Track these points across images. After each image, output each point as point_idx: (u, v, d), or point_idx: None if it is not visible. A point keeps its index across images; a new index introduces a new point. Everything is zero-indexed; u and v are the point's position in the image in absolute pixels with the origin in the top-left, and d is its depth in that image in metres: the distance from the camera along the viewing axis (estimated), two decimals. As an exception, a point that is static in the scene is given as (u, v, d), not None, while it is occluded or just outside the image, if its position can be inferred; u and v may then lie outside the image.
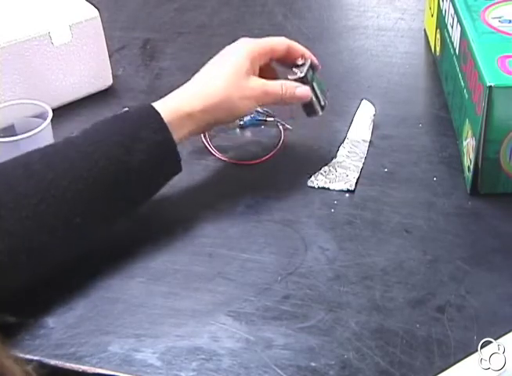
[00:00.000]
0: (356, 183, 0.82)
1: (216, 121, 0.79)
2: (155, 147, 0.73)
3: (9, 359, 0.46)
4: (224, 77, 0.77)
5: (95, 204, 0.71)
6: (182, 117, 0.76)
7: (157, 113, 0.74)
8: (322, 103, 0.84)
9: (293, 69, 0.82)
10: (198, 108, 0.76)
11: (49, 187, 0.68)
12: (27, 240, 0.67)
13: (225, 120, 0.80)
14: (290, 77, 0.82)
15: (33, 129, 0.79)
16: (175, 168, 0.77)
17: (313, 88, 0.83)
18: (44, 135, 0.80)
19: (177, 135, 0.75)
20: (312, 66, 0.84)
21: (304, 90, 0.81)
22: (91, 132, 0.73)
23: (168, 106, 0.76)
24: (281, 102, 0.80)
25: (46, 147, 0.72)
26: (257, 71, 0.80)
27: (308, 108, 0.84)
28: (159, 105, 0.76)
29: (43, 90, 0.94)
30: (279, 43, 0.83)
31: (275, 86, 0.80)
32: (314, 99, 0.83)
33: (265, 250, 0.75)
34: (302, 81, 0.81)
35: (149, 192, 0.76)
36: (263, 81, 0.79)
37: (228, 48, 0.81)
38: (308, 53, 0.84)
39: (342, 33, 1.12)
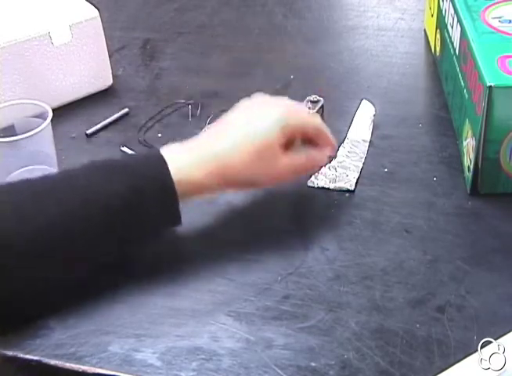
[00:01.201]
0: (356, 183, 0.82)
1: (232, 190, 0.75)
2: (158, 216, 0.70)
3: None
4: (252, 155, 0.71)
5: (86, 251, 0.69)
6: (195, 189, 0.71)
7: (170, 182, 0.69)
8: None
9: (308, 103, 0.84)
10: (215, 182, 0.71)
11: (41, 232, 0.65)
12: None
13: (241, 189, 0.77)
14: None
15: (33, 129, 0.79)
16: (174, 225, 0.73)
17: None
18: (44, 135, 0.80)
19: (184, 200, 0.70)
20: (322, 106, 0.85)
21: (324, 158, 0.78)
22: (95, 177, 0.69)
23: (181, 175, 0.69)
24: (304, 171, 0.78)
25: (40, 183, 0.68)
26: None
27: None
28: (172, 169, 0.69)
29: (43, 90, 0.94)
30: (313, 127, 0.76)
31: (301, 162, 0.75)
32: None
33: (265, 250, 0.75)
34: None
35: (143, 243, 0.73)
36: (290, 159, 0.73)
37: (259, 108, 0.75)
38: (333, 146, 0.78)
39: (342, 33, 1.12)
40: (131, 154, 0.74)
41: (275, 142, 0.71)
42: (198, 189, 0.71)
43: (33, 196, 0.67)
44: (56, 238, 0.66)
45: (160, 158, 0.70)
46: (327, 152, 0.77)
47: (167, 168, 0.69)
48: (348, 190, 0.81)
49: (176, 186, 0.69)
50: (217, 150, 0.71)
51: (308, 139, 0.76)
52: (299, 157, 0.75)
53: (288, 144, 0.74)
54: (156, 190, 0.69)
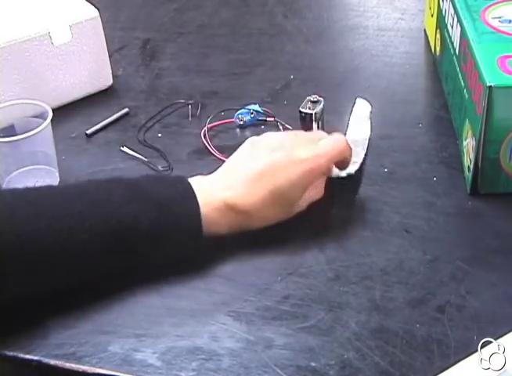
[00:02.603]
0: (360, 171, 0.81)
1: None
2: (179, 249, 0.71)
3: None
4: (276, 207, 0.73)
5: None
6: (218, 228, 0.72)
7: (197, 222, 0.69)
8: None
9: (308, 103, 0.84)
10: (236, 228, 0.73)
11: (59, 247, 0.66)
12: None
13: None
14: (301, 109, 0.84)
15: (33, 129, 0.79)
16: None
17: (318, 127, 0.85)
18: (44, 135, 0.80)
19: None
20: (323, 106, 0.85)
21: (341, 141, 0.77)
22: (123, 202, 0.68)
23: (211, 220, 0.71)
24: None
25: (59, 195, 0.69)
26: None
27: None
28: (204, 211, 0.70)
29: (43, 90, 0.94)
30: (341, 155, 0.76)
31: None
32: None
33: (265, 250, 0.75)
34: (311, 117, 0.84)
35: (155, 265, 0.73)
36: (308, 194, 0.75)
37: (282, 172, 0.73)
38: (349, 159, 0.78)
39: (342, 33, 1.12)
40: (162, 183, 0.72)
41: (300, 193, 0.74)
42: (218, 233, 0.72)
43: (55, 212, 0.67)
44: (74, 262, 0.67)
45: (191, 194, 0.70)
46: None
47: (198, 209, 0.70)
48: (348, 175, 0.80)
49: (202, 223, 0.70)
50: (242, 206, 0.72)
51: None
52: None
53: None
54: (183, 228, 0.69)
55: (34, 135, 0.78)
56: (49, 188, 0.72)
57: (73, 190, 0.70)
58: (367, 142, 0.87)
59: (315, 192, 0.77)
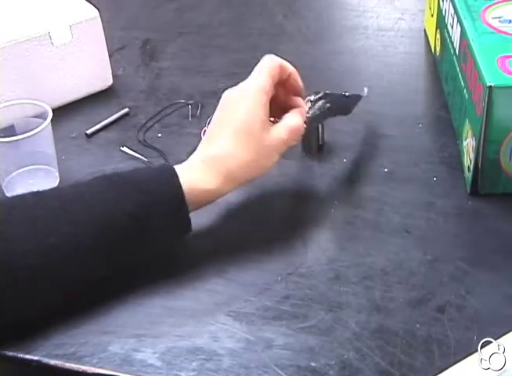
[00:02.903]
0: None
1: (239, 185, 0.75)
2: (168, 229, 0.71)
3: None
4: (243, 142, 0.72)
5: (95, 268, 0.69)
6: (206, 196, 0.72)
7: (179, 194, 0.69)
8: (320, 143, 0.87)
9: (308, 103, 0.83)
10: (222, 183, 0.72)
11: (52, 249, 0.66)
12: None
13: (247, 182, 0.76)
14: None
15: (33, 129, 0.79)
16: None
17: (317, 129, 0.85)
18: (44, 135, 0.80)
19: (197, 207, 0.72)
20: (325, 104, 0.83)
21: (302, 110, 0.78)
22: (103, 191, 0.69)
23: (191, 185, 0.71)
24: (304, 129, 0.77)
25: (51, 200, 0.68)
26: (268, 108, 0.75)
27: (306, 144, 0.86)
28: (183, 181, 0.70)
29: (43, 90, 0.94)
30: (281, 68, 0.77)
31: (293, 121, 0.76)
32: (315, 137, 0.86)
33: (265, 250, 0.75)
34: (309, 119, 0.83)
35: (154, 254, 0.73)
36: (277, 131, 0.75)
37: (234, 99, 0.75)
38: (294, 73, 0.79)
39: (342, 33, 1.12)
40: (143, 169, 0.75)
41: (258, 119, 0.73)
42: (209, 195, 0.72)
43: (45, 212, 0.67)
44: (67, 255, 0.66)
45: (170, 171, 0.71)
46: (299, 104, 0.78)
47: (178, 180, 0.70)
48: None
49: (187, 196, 0.70)
50: (214, 152, 0.72)
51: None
52: (284, 122, 0.76)
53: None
54: (166, 205, 0.69)
55: (34, 135, 0.78)
56: (35, 193, 0.71)
57: (55, 192, 0.71)
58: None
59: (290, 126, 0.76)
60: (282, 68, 0.77)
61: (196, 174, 0.71)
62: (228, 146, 0.72)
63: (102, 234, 0.67)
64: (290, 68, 0.79)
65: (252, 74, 0.76)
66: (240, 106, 0.73)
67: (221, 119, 0.75)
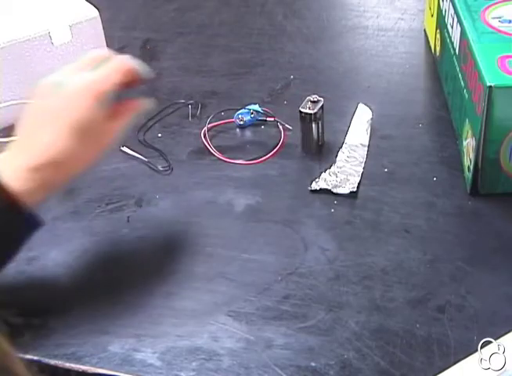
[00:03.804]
0: (358, 186, 0.81)
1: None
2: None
3: (19, 365, 0.45)
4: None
5: None
6: (36, 187, 0.66)
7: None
8: (320, 143, 0.87)
9: (308, 103, 0.84)
10: (48, 174, 0.66)
11: None
12: None
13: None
14: (301, 109, 0.84)
15: None
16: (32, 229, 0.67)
17: (317, 127, 0.85)
18: None
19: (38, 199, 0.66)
20: (322, 106, 0.85)
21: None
22: None
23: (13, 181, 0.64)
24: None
25: None
26: None
27: (306, 143, 0.87)
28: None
29: (43, 90, 0.94)
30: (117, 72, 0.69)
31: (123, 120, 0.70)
32: (315, 137, 0.86)
33: (265, 250, 0.75)
34: (311, 117, 0.84)
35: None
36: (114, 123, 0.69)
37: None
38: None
39: (342, 33, 1.12)
40: None
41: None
42: (38, 186, 0.66)
43: None
44: None
45: None
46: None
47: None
48: (351, 192, 0.81)
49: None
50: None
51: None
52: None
53: None
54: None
55: None
56: None
57: None
58: (366, 148, 0.87)
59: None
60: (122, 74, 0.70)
61: (23, 188, 0.65)
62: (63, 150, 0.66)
63: None
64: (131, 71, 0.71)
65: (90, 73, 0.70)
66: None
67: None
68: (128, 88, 0.71)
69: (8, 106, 0.83)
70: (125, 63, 0.71)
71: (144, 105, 0.73)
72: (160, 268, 0.74)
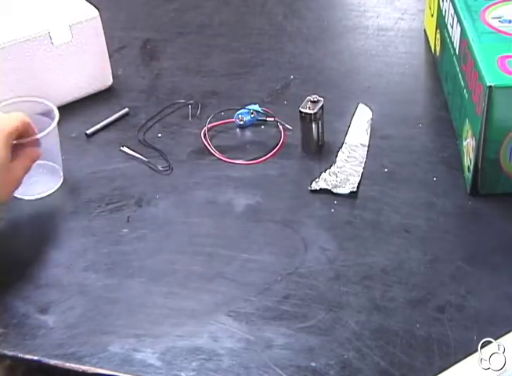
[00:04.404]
0: (358, 186, 0.82)
1: None
2: None
3: None
4: None
5: None
6: None
7: None
8: (320, 143, 0.87)
9: (308, 103, 0.84)
10: None
11: None
12: None
13: None
14: (301, 109, 0.84)
15: (39, 128, 0.78)
16: None
17: (317, 127, 0.85)
18: (51, 135, 0.80)
19: None
20: (322, 106, 0.85)
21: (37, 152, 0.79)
22: None
23: None
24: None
25: None
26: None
27: (306, 143, 0.87)
28: None
29: (43, 90, 0.94)
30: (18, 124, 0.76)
31: (26, 162, 0.77)
32: (315, 137, 0.86)
33: (265, 250, 0.75)
34: (311, 117, 0.84)
35: None
36: (16, 164, 0.76)
37: None
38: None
39: (342, 33, 1.12)
40: None
41: None
42: None
43: None
44: None
45: None
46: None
47: None
48: (351, 192, 0.81)
49: None
50: None
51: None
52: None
53: None
54: None
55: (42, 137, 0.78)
56: None
57: None
58: (366, 148, 0.87)
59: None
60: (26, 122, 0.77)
61: None
62: None
63: None
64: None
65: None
66: None
67: None
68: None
69: (11, 103, 0.83)
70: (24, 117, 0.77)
71: (37, 153, 0.79)
72: (160, 268, 0.74)
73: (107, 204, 0.82)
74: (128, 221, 0.79)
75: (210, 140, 0.89)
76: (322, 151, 0.87)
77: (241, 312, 0.69)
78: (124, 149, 0.89)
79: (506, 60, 0.75)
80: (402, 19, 1.13)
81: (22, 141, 0.77)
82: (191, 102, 0.96)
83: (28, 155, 0.78)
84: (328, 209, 0.79)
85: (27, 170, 0.77)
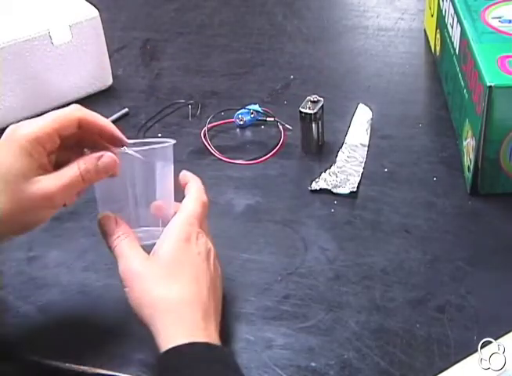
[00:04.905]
0: (358, 186, 0.81)
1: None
2: None
3: None
4: None
5: None
6: None
7: None
8: (320, 143, 0.87)
9: (308, 103, 0.84)
10: None
11: None
12: None
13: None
14: (301, 109, 0.84)
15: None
16: None
17: (317, 127, 0.85)
18: None
19: None
20: (322, 106, 0.85)
21: (108, 158, 0.64)
22: None
23: None
24: (84, 183, 0.62)
25: None
26: (46, 161, 0.61)
27: (306, 143, 0.87)
28: None
29: (43, 90, 0.94)
30: (65, 117, 0.61)
31: (69, 173, 0.61)
32: (315, 137, 0.86)
33: (265, 250, 0.75)
34: (311, 117, 0.84)
35: None
36: (51, 176, 0.60)
37: None
38: (115, 133, 0.66)
39: (342, 33, 1.12)
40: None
41: (15, 169, 0.59)
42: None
43: None
44: None
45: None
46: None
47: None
48: (351, 192, 0.81)
49: None
50: None
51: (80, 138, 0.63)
52: (65, 169, 0.61)
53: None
54: None
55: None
56: None
57: None
58: (366, 148, 0.87)
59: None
60: (74, 121, 0.62)
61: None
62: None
63: None
64: (100, 122, 0.64)
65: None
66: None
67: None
68: None
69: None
70: (67, 111, 0.62)
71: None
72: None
73: (107, 204, 0.82)
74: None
75: (210, 140, 0.89)
76: (322, 151, 0.87)
77: (241, 312, 0.69)
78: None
79: (506, 60, 0.75)
80: (402, 19, 1.13)
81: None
82: (191, 102, 0.96)
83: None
84: (328, 209, 0.79)
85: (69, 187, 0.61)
